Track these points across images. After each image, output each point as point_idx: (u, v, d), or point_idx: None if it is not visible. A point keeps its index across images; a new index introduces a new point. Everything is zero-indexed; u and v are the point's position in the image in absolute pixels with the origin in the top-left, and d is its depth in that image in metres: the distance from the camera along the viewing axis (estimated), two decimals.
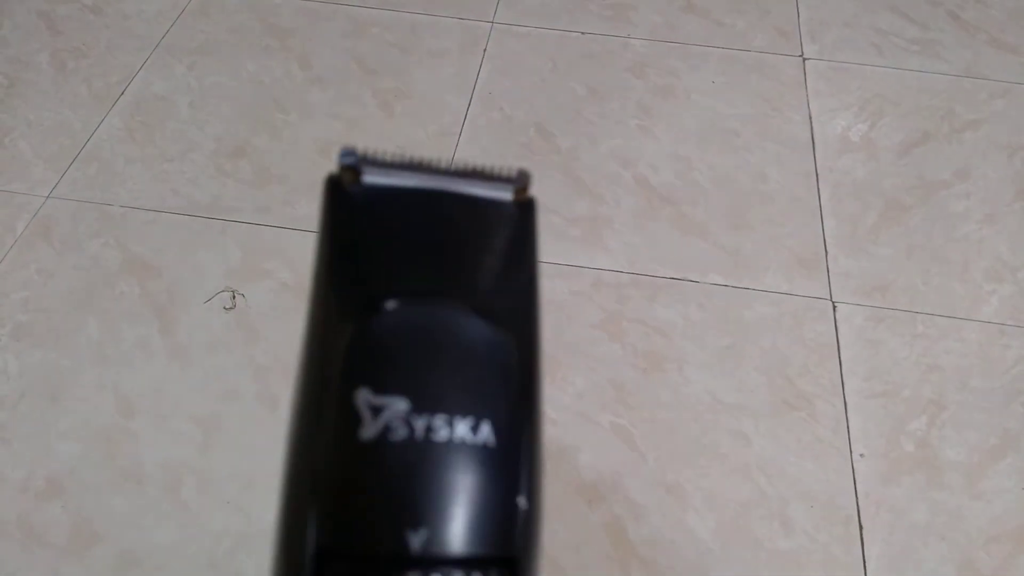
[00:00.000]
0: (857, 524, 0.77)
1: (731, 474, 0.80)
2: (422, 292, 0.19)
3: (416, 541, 0.17)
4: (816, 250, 0.98)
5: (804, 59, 1.22)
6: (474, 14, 1.27)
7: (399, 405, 0.18)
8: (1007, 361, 0.89)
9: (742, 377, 0.87)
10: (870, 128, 1.12)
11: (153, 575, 0.73)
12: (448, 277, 0.20)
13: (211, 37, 1.23)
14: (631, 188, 1.04)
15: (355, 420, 0.17)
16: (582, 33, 1.25)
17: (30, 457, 0.80)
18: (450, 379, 0.18)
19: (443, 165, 0.21)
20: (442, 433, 0.17)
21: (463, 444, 0.17)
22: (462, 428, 0.18)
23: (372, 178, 0.21)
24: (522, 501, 0.18)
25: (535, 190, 0.22)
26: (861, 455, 0.81)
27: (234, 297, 0.92)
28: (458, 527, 0.17)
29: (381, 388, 0.18)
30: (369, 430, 0.17)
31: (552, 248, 0.97)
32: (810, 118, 1.14)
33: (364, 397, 0.18)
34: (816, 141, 1.10)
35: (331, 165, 1.05)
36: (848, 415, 0.84)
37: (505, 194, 0.22)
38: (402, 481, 0.17)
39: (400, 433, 0.17)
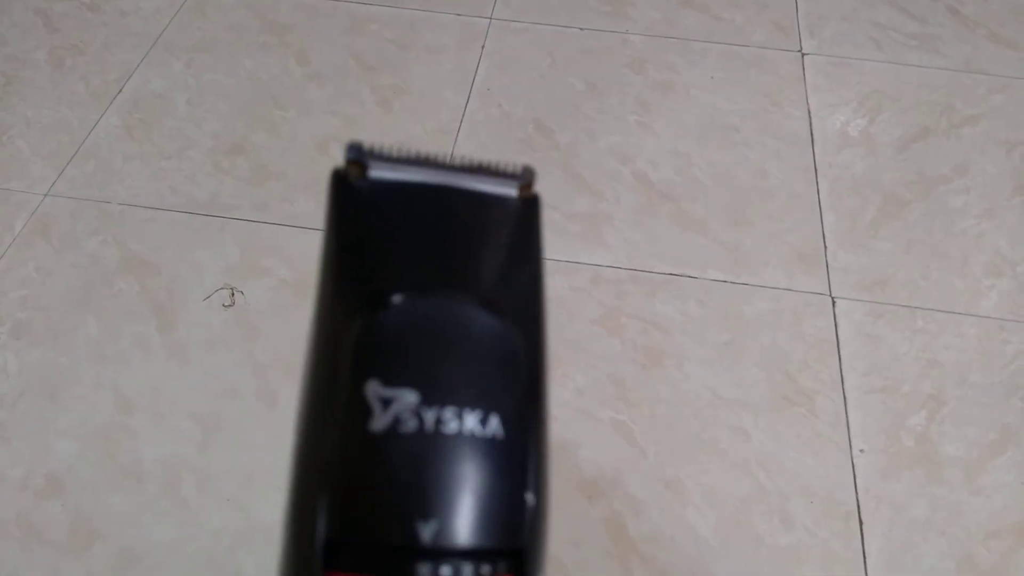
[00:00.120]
0: (857, 519, 0.77)
1: (731, 470, 0.80)
2: (429, 286, 0.19)
3: (426, 533, 0.17)
4: (815, 245, 0.98)
5: (803, 54, 1.22)
6: (472, 10, 1.27)
7: (409, 397, 0.18)
8: (1006, 356, 0.89)
9: (742, 373, 0.87)
10: (869, 123, 1.12)
11: (153, 573, 0.73)
12: (454, 271, 0.20)
13: (209, 34, 1.22)
14: (630, 184, 1.04)
15: (365, 412, 0.17)
16: (580, 29, 1.25)
17: (29, 455, 0.80)
18: (459, 372, 0.18)
19: (448, 160, 0.22)
20: (452, 425, 0.17)
21: (472, 437, 0.18)
22: (471, 421, 0.18)
23: (378, 173, 0.21)
24: (530, 494, 0.18)
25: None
26: (861, 450, 0.81)
27: (233, 295, 0.92)
28: (467, 519, 0.17)
29: (390, 380, 0.18)
30: (379, 422, 0.17)
31: (551, 244, 0.97)
32: (809, 113, 1.13)
33: (374, 389, 0.18)
34: (815, 136, 1.10)
35: (330, 162, 1.05)
36: (848, 410, 0.84)
37: (510, 190, 0.22)
38: (412, 473, 0.17)
39: (410, 425, 0.17)
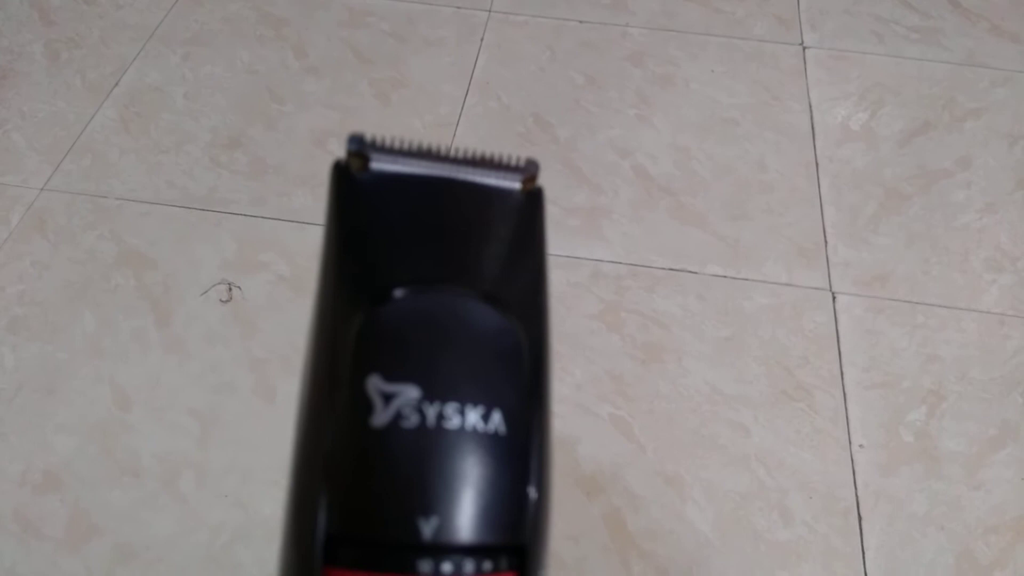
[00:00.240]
0: (856, 515, 0.77)
1: (730, 465, 0.80)
2: (431, 280, 0.19)
3: (427, 528, 0.17)
4: (816, 240, 0.98)
5: (804, 47, 1.21)
6: (471, 3, 1.26)
7: (410, 392, 0.17)
8: (1007, 351, 0.88)
9: (741, 368, 0.87)
10: (870, 117, 1.12)
11: (151, 568, 0.73)
12: (457, 265, 0.20)
13: (205, 27, 1.22)
14: (630, 178, 1.04)
15: (366, 407, 0.17)
16: (580, 22, 1.24)
17: (27, 450, 0.79)
18: (461, 367, 0.18)
19: (451, 152, 0.21)
20: (454, 421, 0.17)
21: (474, 432, 0.17)
22: (473, 416, 0.18)
23: (380, 165, 0.21)
24: (532, 490, 0.18)
25: None
26: (860, 446, 0.81)
27: (230, 289, 0.91)
28: (469, 515, 0.17)
29: (392, 375, 0.18)
30: (380, 417, 0.17)
31: (550, 239, 0.96)
32: (810, 107, 1.13)
33: (375, 384, 0.17)
34: (816, 130, 1.10)
35: (327, 156, 1.05)
36: (847, 406, 0.84)
37: (513, 183, 0.22)
38: (414, 468, 0.17)
39: (412, 420, 0.17)
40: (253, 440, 0.81)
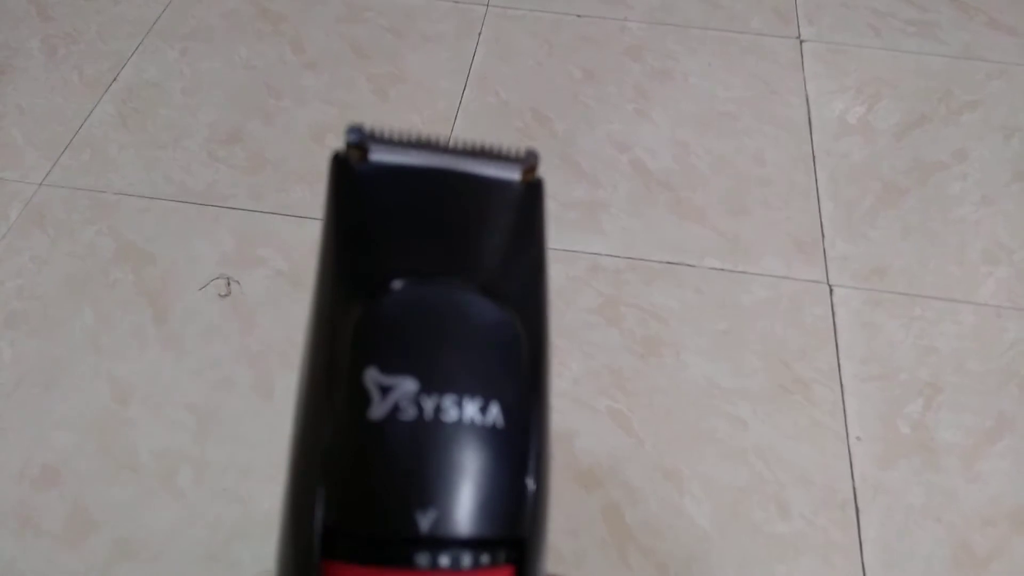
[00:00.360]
0: (854, 507, 0.77)
1: (728, 458, 0.80)
2: (430, 272, 0.19)
3: (425, 521, 0.16)
4: (813, 234, 0.98)
5: (801, 41, 1.21)
6: None
7: (408, 385, 0.17)
8: (1003, 343, 0.89)
9: (739, 362, 0.87)
10: (867, 110, 1.12)
11: (149, 563, 0.73)
12: (456, 257, 0.20)
13: (203, 22, 1.22)
14: (628, 172, 1.04)
15: (364, 400, 0.17)
16: (578, 16, 1.24)
17: (25, 446, 0.80)
18: (459, 359, 0.18)
19: (450, 143, 0.21)
20: (451, 413, 0.17)
21: (472, 425, 0.17)
22: (471, 409, 0.17)
23: (379, 156, 0.21)
24: (530, 483, 0.18)
25: None
26: (858, 438, 0.82)
27: (228, 284, 0.91)
28: (467, 508, 0.17)
29: (390, 368, 0.18)
30: (378, 410, 0.17)
31: (549, 233, 0.97)
32: (807, 101, 1.13)
33: (373, 377, 0.17)
34: (813, 124, 1.10)
35: (325, 151, 1.05)
36: (845, 398, 0.84)
37: (513, 174, 0.21)
38: (411, 461, 0.17)
39: (409, 413, 0.17)
40: (251, 435, 0.81)
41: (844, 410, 0.83)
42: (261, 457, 0.79)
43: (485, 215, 0.21)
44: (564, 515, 0.76)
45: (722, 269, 0.94)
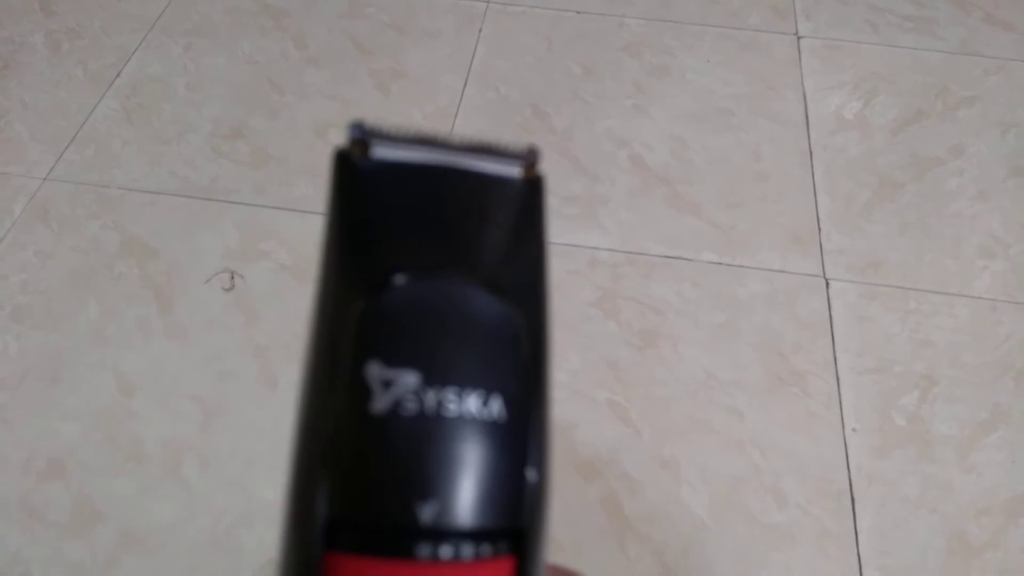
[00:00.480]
0: (849, 497, 0.78)
1: (725, 449, 0.81)
2: (431, 266, 0.19)
3: (426, 513, 0.17)
4: (810, 228, 0.99)
5: (798, 37, 1.22)
6: None
7: (410, 379, 0.17)
8: (998, 336, 0.89)
9: (736, 354, 0.88)
10: (864, 106, 1.13)
11: (155, 553, 0.74)
12: (457, 252, 0.20)
13: (206, 18, 1.22)
14: (626, 167, 1.05)
15: (366, 393, 0.17)
16: (577, 12, 1.25)
17: (31, 438, 0.81)
18: (460, 353, 0.18)
19: (452, 139, 0.21)
20: (453, 407, 0.17)
21: (474, 418, 0.17)
22: (472, 402, 0.18)
23: (381, 152, 0.21)
24: (531, 474, 0.18)
25: None
26: (853, 430, 0.82)
27: (232, 278, 0.92)
28: (468, 500, 0.17)
29: (392, 361, 0.18)
30: (380, 403, 0.17)
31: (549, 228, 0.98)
32: (804, 96, 1.14)
33: (375, 370, 0.17)
34: (810, 119, 1.11)
35: (328, 146, 1.06)
36: (841, 390, 0.85)
37: (514, 170, 0.22)
38: (413, 454, 0.17)
39: (411, 406, 0.17)
40: (255, 426, 0.82)
41: (840, 402, 0.84)
42: (265, 447, 0.80)
43: (486, 211, 0.21)
44: (563, 505, 0.77)
45: (719, 263, 0.95)
